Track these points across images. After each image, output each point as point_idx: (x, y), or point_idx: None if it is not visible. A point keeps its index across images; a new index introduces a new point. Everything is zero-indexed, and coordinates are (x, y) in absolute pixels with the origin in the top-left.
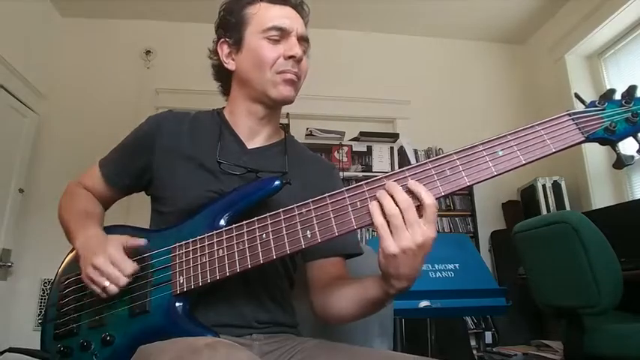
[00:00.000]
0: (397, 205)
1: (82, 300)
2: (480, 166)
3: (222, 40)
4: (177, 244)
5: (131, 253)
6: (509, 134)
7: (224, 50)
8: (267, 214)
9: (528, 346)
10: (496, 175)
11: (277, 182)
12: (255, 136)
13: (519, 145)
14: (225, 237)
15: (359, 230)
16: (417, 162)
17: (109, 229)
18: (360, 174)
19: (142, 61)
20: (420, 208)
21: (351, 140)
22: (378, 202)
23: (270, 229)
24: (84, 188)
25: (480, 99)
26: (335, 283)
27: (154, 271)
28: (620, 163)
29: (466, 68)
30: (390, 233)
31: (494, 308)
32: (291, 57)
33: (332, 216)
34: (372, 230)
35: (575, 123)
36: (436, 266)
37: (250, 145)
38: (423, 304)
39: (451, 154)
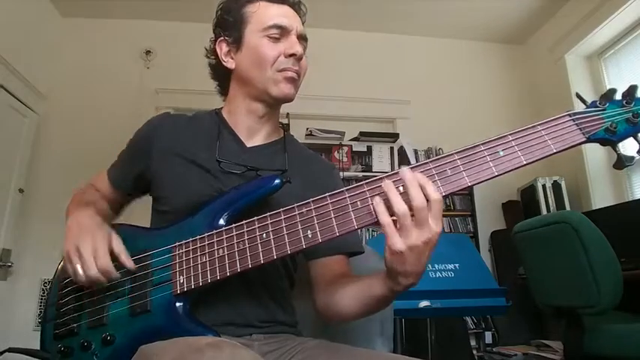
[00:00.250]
0: (409, 202)
1: (81, 299)
2: (481, 166)
3: (221, 38)
4: (178, 243)
5: (130, 250)
6: (510, 134)
7: (223, 49)
8: (268, 213)
9: (528, 346)
10: (497, 176)
11: (277, 181)
12: (254, 134)
13: (520, 145)
14: (225, 237)
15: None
16: (417, 162)
17: (112, 227)
18: (360, 174)
19: (142, 61)
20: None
21: (351, 140)
22: (384, 198)
23: (270, 229)
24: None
25: (480, 99)
26: (338, 281)
27: (153, 271)
28: (621, 163)
29: (466, 68)
30: (396, 231)
31: (494, 308)
32: (291, 55)
33: (333, 216)
34: (373, 230)
35: (576, 123)
36: (436, 266)
37: (249, 144)
38: (423, 304)
39: (452, 154)
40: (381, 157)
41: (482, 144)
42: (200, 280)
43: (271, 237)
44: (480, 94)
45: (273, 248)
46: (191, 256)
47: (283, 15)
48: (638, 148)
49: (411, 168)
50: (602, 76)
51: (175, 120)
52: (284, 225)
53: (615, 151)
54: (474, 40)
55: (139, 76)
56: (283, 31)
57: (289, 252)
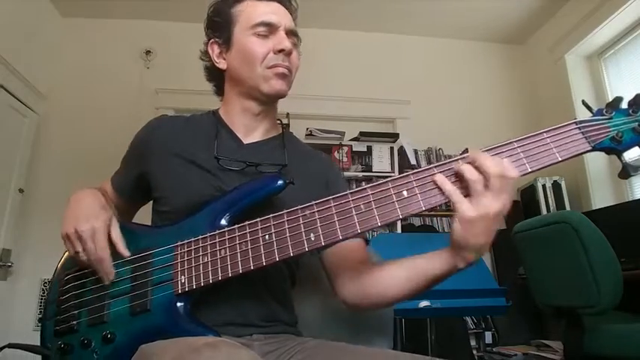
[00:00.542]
0: (484, 172)
1: (82, 297)
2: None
3: (212, 40)
4: (180, 242)
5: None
6: (516, 141)
7: (215, 50)
8: (270, 215)
9: (528, 346)
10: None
11: (280, 182)
12: (252, 132)
13: (526, 152)
14: (227, 237)
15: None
16: (417, 162)
17: None
18: (360, 174)
19: (142, 61)
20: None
21: (351, 140)
22: (446, 176)
23: (273, 231)
24: None
25: (480, 99)
26: (372, 265)
27: (154, 270)
28: (626, 173)
29: (466, 68)
30: (464, 198)
31: (494, 308)
32: (280, 51)
33: (336, 219)
34: (374, 231)
35: (582, 132)
36: None
37: (247, 141)
38: (423, 304)
39: (458, 159)
40: (381, 157)
41: (487, 150)
42: (202, 280)
43: (274, 239)
44: (479, 94)
45: (276, 250)
46: (193, 256)
47: (271, 12)
48: None
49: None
50: (602, 76)
51: (173, 121)
52: (287, 227)
53: (620, 160)
54: (474, 40)
55: (139, 76)
56: (271, 28)
57: (292, 254)
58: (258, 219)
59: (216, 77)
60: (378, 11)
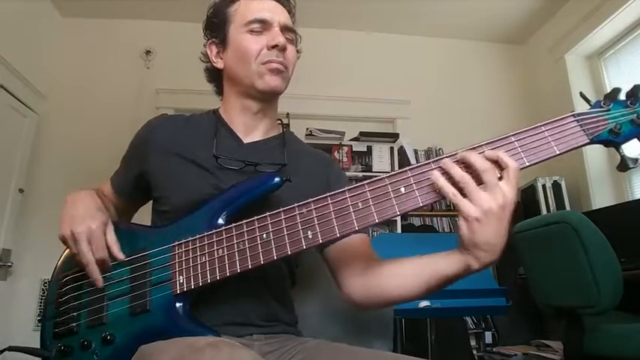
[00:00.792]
0: (474, 169)
1: (81, 298)
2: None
3: (210, 41)
4: (177, 242)
5: (129, 248)
6: (513, 135)
7: (212, 51)
8: (268, 213)
9: (528, 346)
10: (500, 178)
11: (277, 179)
12: (251, 131)
13: (523, 146)
14: (225, 236)
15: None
16: (417, 162)
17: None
18: (360, 174)
19: (142, 61)
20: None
21: (351, 140)
22: (442, 173)
23: (270, 229)
24: None
25: (480, 99)
26: (380, 261)
27: (152, 270)
28: (624, 165)
29: (466, 68)
30: (464, 198)
31: (494, 308)
32: (274, 46)
33: (333, 216)
34: (373, 230)
35: (580, 125)
36: None
37: (247, 140)
38: (423, 304)
39: (455, 154)
40: (381, 157)
41: (485, 144)
42: (200, 280)
43: (271, 237)
44: (480, 94)
45: (274, 249)
46: (191, 256)
47: (264, 9)
48: None
49: (413, 168)
50: (602, 76)
51: (173, 120)
52: (284, 225)
53: (619, 152)
54: (474, 40)
55: (139, 76)
56: (265, 25)
57: (289, 253)
58: (256, 217)
59: (216, 78)
60: (379, 11)
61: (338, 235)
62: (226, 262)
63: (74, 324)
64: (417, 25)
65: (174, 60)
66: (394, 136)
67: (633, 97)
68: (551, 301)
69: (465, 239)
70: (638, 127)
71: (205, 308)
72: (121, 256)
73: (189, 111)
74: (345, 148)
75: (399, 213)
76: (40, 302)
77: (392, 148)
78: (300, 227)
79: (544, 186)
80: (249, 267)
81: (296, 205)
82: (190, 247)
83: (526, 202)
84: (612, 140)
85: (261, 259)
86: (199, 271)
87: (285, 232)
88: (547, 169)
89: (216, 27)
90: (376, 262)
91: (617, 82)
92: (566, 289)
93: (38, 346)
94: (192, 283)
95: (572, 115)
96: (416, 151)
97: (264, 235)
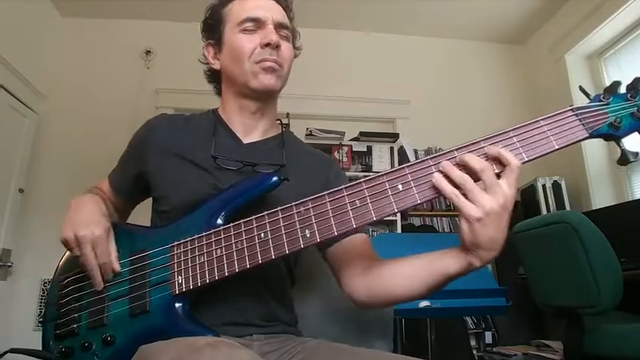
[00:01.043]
0: (471, 169)
1: (81, 299)
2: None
3: (207, 42)
4: (176, 243)
5: (128, 249)
6: (512, 130)
7: (210, 52)
8: (265, 212)
9: (528, 346)
10: (497, 174)
11: (275, 178)
12: (250, 131)
13: (522, 141)
14: (223, 236)
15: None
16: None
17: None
18: (360, 174)
19: (142, 61)
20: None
21: (351, 140)
22: (444, 172)
23: (268, 229)
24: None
25: (480, 99)
26: (381, 261)
27: (151, 271)
28: (625, 159)
29: (466, 68)
30: (465, 199)
31: (494, 308)
32: (267, 44)
33: (331, 215)
34: (373, 230)
35: (579, 119)
36: None
37: (246, 140)
38: (423, 304)
39: (452, 151)
40: (381, 157)
41: (483, 140)
42: (199, 280)
43: (269, 237)
44: (479, 94)
45: (271, 248)
46: (189, 256)
47: (257, 7)
48: None
49: (411, 165)
50: (602, 76)
51: (172, 120)
52: (282, 224)
53: (619, 146)
54: (474, 40)
55: (139, 76)
56: (259, 23)
57: (287, 252)
58: (254, 217)
59: (216, 79)
60: (378, 11)
61: (336, 233)
62: (225, 262)
63: (75, 325)
64: (416, 25)
65: (174, 60)
66: (394, 136)
67: (633, 90)
68: (551, 301)
69: (467, 239)
70: (638, 121)
71: (205, 308)
72: (118, 268)
73: (189, 111)
74: (345, 148)
75: (396, 210)
76: (41, 302)
77: (392, 148)
78: (298, 226)
79: (544, 186)
80: (248, 267)
81: (294, 204)
82: (189, 247)
83: (526, 202)
84: (612, 134)
85: (260, 258)
86: (198, 272)
87: (283, 232)
88: (547, 169)
89: (213, 28)
90: (378, 261)
91: None
92: (566, 289)
93: (39, 347)
94: (191, 283)
95: (572, 110)
96: (416, 151)
97: (262, 235)
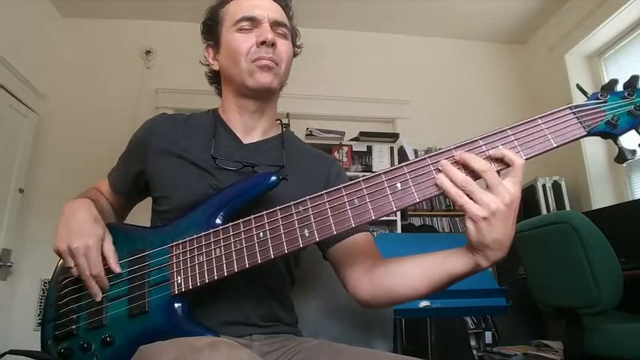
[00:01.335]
0: (474, 171)
1: (80, 300)
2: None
3: (207, 44)
4: (175, 243)
5: (127, 250)
6: (509, 128)
7: (210, 54)
8: (264, 212)
9: (528, 346)
10: (499, 172)
11: (274, 178)
12: (250, 131)
13: (520, 140)
14: (222, 236)
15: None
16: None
17: (109, 226)
18: (360, 174)
19: (142, 61)
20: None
21: (351, 140)
22: (445, 174)
23: (267, 228)
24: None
25: (480, 99)
26: (385, 260)
27: (150, 271)
28: (622, 157)
29: (466, 68)
30: (469, 199)
31: (494, 308)
32: (262, 43)
33: (330, 214)
34: (373, 230)
35: (577, 117)
36: None
37: (246, 141)
38: (423, 304)
39: (450, 149)
40: (381, 157)
41: (480, 138)
42: (198, 280)
43: (268, 236)
44: (480, 94)
45: (270, 248)
46: (188, 256)
47: (253, 6)
48: (639, 141)
49: (409, 164)
50: (602, 75)
51: (172, 120)
52: (281, 224)
53: (616, 144)
54: (474, 40)
55: (139, 76)
56: (254, 22)
57: (286, 251)
58: (252, 216)
59: (216, 80)
60: (379, 11)
61: (334, 232)
62: (224, 261)
63: (74, 326)
64: (417, 26)
65: (174, 60)
66: (394, 136)
67: (631, 88)
68: (551, 301)
69: (474, 240)
70: (635, 119)
71: (204, 308)
72: (117, 269)
73: (189, 111)
74: (345, 148)
75: (395, 209)
76: (40, 302)
77: (392, 148)
78: (296, 225)
79: (544, 186)
80: (247, 266)
81: (292, 203)
82: (188, 247)
83: (526, 202)
84: (609, 132)
85: (259, 258)
86: (197, 271)
87: (282, 231)
88: (547, 169)
89: (211, 29)
90: (382, 260)
91: None
92: (566, 289)
93: (38, 348)
94: (190, 283)
95: (569, 108)
96: (416, 151)
97: (261, 234)
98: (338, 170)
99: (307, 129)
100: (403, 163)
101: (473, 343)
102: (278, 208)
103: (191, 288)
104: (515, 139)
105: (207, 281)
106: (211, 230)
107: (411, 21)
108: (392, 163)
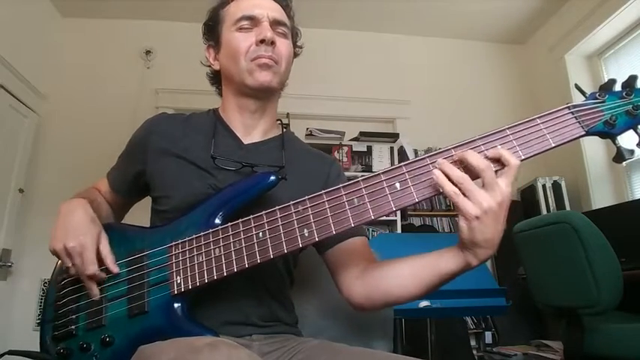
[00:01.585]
0: (472, 168)
1: (79, 300)
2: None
3: (208, 44)
4: (174, 243)
5: (126, 250)
6: (508, 128)
7: (210, 54)
8: (263, 212)
9: (528, 346)
10: (495, 172)
11: (273, 178)
12: (250, 131)
13: (518, 140)
14: (221, 236)
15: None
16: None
17: (107, 226)
18: (360, 174)
19: (142, 61)
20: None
21: (351, 140)
22: (442, 171)
23: (266, 228)
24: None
25: (480, 99)
26: (380, 263)
27: (150, 271)
28: (620, 157)
29: (466, 68)
30: (464, 197)
31: (494, 308)
32: (262, 41)
33: (329, 214)
34: (373, 230)
35: (575, 117)
36: None
37: (247, 141)
38: (423, 304)
39: (449, 149)
40: (381, 157)
41: (479, 138)
42: (197, 280)
43: (267, 236)
44: (480, 94)
45: (270, 248)
46: (187, 256)
47: (253, 6)
48: (637, 140)
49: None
50: (602, 75)
51: (172, 120)
52: (280, 224)
53: (615, 144)
54: (474, 40)
55: (139, 76)
56: (254, 21)
57: (286, 251)
58: (252, 216)
59: (217, 80)
60: (379, 11)
61: (334, 232)
62: (223, 261)
63: (73, 326)
64: (417, 26)
65: (174, 60)
66: (394, 136)
67: (629, 88)
68: (551, 301)
69: (465, 238)
70: (633, 119)
71: (204, 308)
72: (115, 269)
73: (189, 111)
74: (345, 148)
75: (394, 209)
76: (40, 302)
77: (392, 148)
78: (296, 225)
79: (544, 186)
80: (246, 266)
81: (291, 203)
82: (187, 247)
83: (526, 202)
84: (608, 132)
85: (258, 258)
86: (196, 271)
87: (282, 231)
88: (547, 169)
89: (212, 30)
90: (375, 263)
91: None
92: (566, 289)
93: (38, 348)
94: (190, 283)
95: (567, 107)
96: (416, 151)
97: (261, 234)
98: (338, 171)
99: (307, 129)
100: (402, 163)
101: (473, 343)
102: (277, 208)
103: (191, 288)
104: (514, 139)
105: (206, 281)
106: (211, 230)
107: (411, 21)
108: (392, 163)
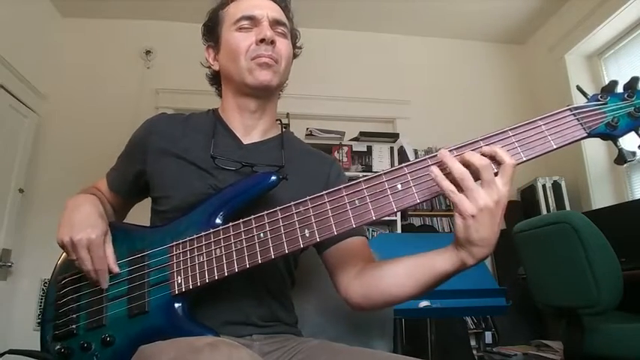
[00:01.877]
0: (472, 167)
1: (80, 300)
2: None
3: (207, 45)
4: (175, 243)
5: (127, 249)
6: (510, 130)
7: (210, 54)
8: (264, 212)
9: (528, 346)
10: (495, 173)
11: (274, 178)
12: (250, 131)
13: (520, 141)
14: (222, 236)
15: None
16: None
17: (109, 225)
18: (360, 174)
19: (142, 61)
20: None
21: (351, 140)
22: (441, 168)
23: (267, 228)
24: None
25: (480, 99)
26: (377, 263)
27: (150, 271)
28: (622, 158)
29: (466, 68)
30: (462, 195)
31: (494, 308)
32: (262, 40)
33: (330, 214)
34: (373, 230)
35: (577, 118)
36: None
37: (246, 141)
38: (423, 304)
39: (451, 150)
40: (381, 157)
41: (481, 139)
42: (198, 280)
43: (269, 236)
44: (479, 94)
45: (271, 248)
46: (188, 256)
47: (253, 6)
48: (639, 142)
49: (410, 164)
50: (602, 76)
51: (171, 120)
52: (281, 224)
53: (616, 146)
54: (474, 40)
55: (139, 76)
56: (254, 21)
57: (287, 252)
58: (253, 217)
59: (217, 81)
60: (379, 11)
61: (335, 232)
62: (224, 261)
63: (74, 326)
64: (417, 26)
65: (174, 60)
66: (394, 136)
67: (630, 90)
68: (551, 301)
69: (460, 236)
70: (635, 120)
71: (204, 308)
72: (116, 269)
73: (189, 111)
74: (345, 148)
75: (395, 210)
76: (40, 302)
77: (392, 148)
78: (297, 226)
79: (544, 186)
80: (247, 266)
81: (292, 203)
82: (188, 247)
83: (526, 202)
84: (609, 134)
85: (259, 258)
86: (197, 271)
87: (283, 231)
88: (547, 169)
89: (211, 30)
90: (373, 263)
91: None
92: (566, 289)
93: (38, 348)
94: (191, 283)
95: (569, 109)
96: (416, 151)
97: (262, 235)
98: (338, 171)
99: (307, 129)
100: (404, 164)
101: (473, 343)
102: (278, 208)
103: (191, 288)
104: (516, 141)
105: (207, 281)
106: (211, 230)
107: (411, 21)
108: (392, 163)
